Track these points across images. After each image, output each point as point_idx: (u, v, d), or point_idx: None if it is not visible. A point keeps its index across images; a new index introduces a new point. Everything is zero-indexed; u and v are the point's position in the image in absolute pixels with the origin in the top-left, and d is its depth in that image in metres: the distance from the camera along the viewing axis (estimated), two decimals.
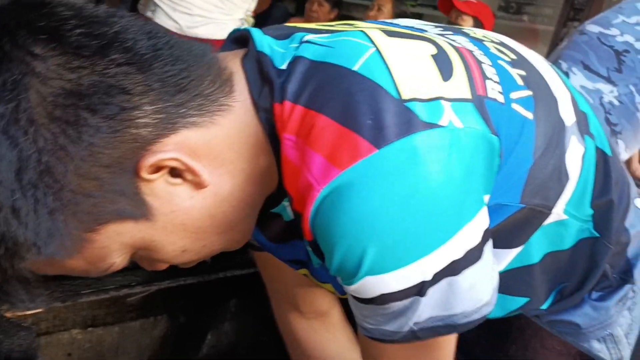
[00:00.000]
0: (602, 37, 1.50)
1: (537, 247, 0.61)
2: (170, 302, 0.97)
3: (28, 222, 0.44)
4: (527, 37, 3.58)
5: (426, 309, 0.49)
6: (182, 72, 0.48)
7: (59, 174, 0.44)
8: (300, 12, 3.25)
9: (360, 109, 0.46)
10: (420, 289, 0.48)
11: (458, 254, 0.48)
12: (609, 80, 1.47)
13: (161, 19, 2.00)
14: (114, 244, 0.49)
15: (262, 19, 3.21)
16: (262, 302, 0.87)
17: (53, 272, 0.51)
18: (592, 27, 1.56)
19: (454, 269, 0.48)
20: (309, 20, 3.01)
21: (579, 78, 1.50)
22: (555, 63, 1.58)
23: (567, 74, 1.52)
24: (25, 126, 0.42)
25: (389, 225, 0.45)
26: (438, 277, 0.47)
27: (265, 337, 1.00)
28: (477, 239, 0.49)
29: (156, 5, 2.02)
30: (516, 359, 0.79)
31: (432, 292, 0.48)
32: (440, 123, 0.47)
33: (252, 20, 2.24)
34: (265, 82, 0.52)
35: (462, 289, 0.49)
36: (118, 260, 0.52)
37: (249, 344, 1.09)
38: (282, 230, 0.61)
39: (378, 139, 0.45)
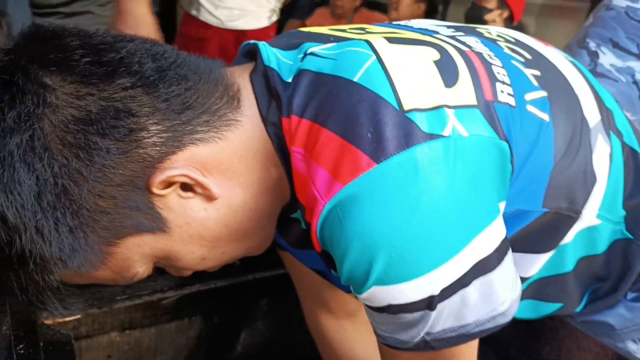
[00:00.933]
0: (630, 12, 1.44)
1: (571, 254, 0.60)
2: (203, 304, 0.99)
3: (52, 239, 0.47)
4: (561, 15, 3.46)
5: (438, 321, 0.49)
6: (188, 90, 0.50)
7: (75, 194, 0.46)
8: (326, 1, 3.23)
9: (360, 121, 0.46)
10: (429, 303, 0.47)
11: (468, 266, 0.47)
12: None
13: (205, 17, 2.22)
14: (135, 255, 0.52)
15: (288, 9, 3.20)
16: (294, 301, 0.88)
17: (84, 282, 0.54)
18: (619, 1, 1.49)
19: (464, 281, 0.47)
20: (334, 9, 2.99)
21: (608, 57, 1.45)
22: (582, 42, 1.52)
23: (596, 54, 1.46)
24: (41, 153, 0.45)
25: (392, 240, 0.45)
26: (447, 291, 0.47)
27: (300, 335, 1.01)
28: (490, 249, 0.48)
29: (199, 4, 2.22)
30: None
31: (443, 306, 0.48)
32: (443, 133, 0.46)
33: (278, 12, 2.38)
34: (273, 96, 0.53)
35: (474, 300, 0.48)
36: (141, 269, 0.54)
37: (284, 342, 1.10)
38: (300, 236, 0.62)
39: (377, 153, 0.45)
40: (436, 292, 0.47)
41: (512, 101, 0.52)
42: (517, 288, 0.52)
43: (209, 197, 0.51)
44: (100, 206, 0.47)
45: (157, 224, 0.50)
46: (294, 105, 0.50)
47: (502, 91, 0.52)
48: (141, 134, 0.47)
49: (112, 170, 0.47)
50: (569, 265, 0.61)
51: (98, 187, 0.47)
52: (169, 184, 0.49)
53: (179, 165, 0.49)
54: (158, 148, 0.48)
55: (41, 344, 0.69)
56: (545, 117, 0.54)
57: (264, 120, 0.53)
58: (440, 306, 0.48)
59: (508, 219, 0.51)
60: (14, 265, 0.47)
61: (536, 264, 0.59)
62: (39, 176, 0.45)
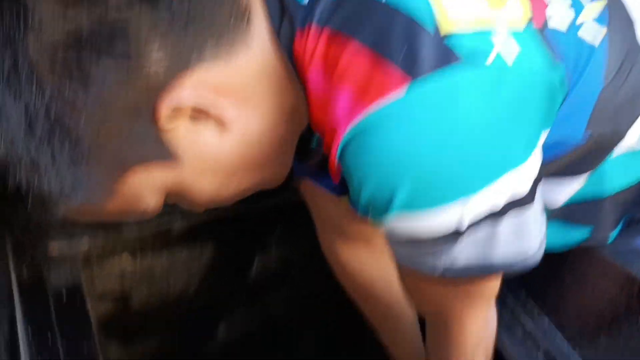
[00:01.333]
0: None
1: (608, 177, 0.57)
2: (214, 232, 0.98)
3: (49, 175, 0.42)
4: None
5: (461, 255, 0.46)
6: (193, 3, 0.43)
7: (71, 126, 0.41)
8: None
9: (394, 36, 0.41)
10: (455, 233, 0.44)
11: (499, 201, 0.43)
12: None
13: None
14: (143, 189, 0.48)
15: None
16: (309, 228, 0.86)
17: (89, 219, 0.51)
18: None
19: (495, 216, 0.44)
20: None
21: None
22: None
23: None
24: (28, 82, 0.40)
25: (422, 164, 0.41)
26: (474, 224, 0.44)
27: (315, 262, 1.00)
28: (525, 188, 0.44)
29: None
30: (573, 289, 0.76)
31: (467, 240, 0.45)
32: (488, 58, 0.41)
33: None
34: (287, 9, 0.47)
35: (503, 239, 0.45)
36: (152, 203, 0.50)
37: (297, 269, 1.09)
38: (319, 163, 0.58)
39: (413, 69, 0.40)
40: (463, 226, 0.44)
41: (565, 24, 0.47)
42: (544, 227, 0.50)
43: (223, 125, 0.46)
44: (100, 137, 0.43)
45: (165, 155, 0.46)
46: (315, 13, 0.44)
47: (555, 11, 0.47)
48: (142, 55, 0.42)
49: (111, 98, 0.42)
50: (606, 192, 0.58)
51: (97, 116, 0.42)
52: (177, 111, 0.44)
53: (187, 90, 0.44)
54: (162, 70, 0.42)
55: (45, 277, 0.68)
56: (599, 36, 0.49)
57: (278, 36, 0.47)
58: (466, 240, 0.45)
59: (546, 147, 0.48)
60: (11, 203, 0.44)
61: (572, 186, 0.56)
62: (29, 107, 0.41)
